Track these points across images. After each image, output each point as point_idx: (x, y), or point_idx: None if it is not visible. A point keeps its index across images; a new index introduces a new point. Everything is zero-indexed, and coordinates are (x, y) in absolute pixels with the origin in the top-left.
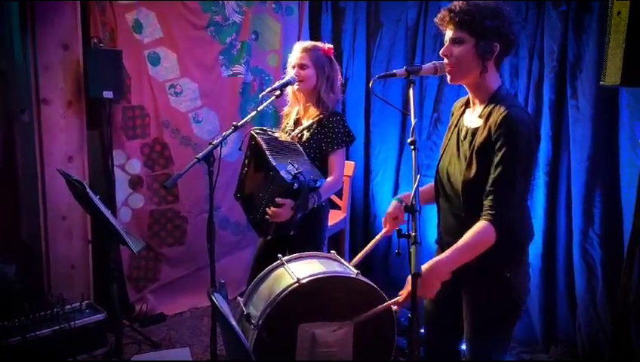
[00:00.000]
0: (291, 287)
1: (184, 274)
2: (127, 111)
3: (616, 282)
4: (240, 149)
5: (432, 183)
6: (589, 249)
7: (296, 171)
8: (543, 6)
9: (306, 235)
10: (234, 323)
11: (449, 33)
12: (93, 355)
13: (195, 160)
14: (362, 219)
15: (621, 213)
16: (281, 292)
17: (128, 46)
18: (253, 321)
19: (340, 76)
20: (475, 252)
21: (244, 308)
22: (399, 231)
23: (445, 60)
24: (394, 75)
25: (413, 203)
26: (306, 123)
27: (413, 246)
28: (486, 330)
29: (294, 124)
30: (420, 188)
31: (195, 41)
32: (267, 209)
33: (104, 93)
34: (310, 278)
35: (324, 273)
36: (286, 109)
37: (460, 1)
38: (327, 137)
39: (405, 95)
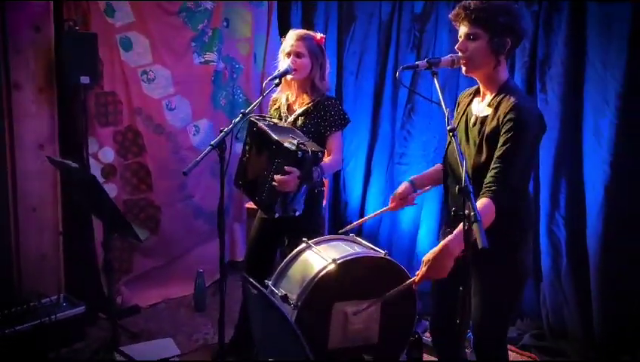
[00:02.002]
0: (328, 268)
1: (158, 264)
2: (100, 97)
3: (578, 258)
4: (237, 138)
5: (436, 167)
6: (554, 230)
7: (298, 141)
8: (517, 5)
9: (306, 219)
10: (277, 303)
11: (464, 29)
12: (73, 349)
13: (210, 147)
14: (333, 207)
15: (584, 197)
16: (318, 273)
17: (100, 30)
18: (292, 301)
19: (328, 64)
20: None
21: (274, 290)
22: (455, 211)
23: (460, 54)
24: (417, 66)
25: (467, 185)
26: (299, 109)
27: (474, 223)
28: (494, 307)
29: (287, 110)
30: (425, 172)
31: (167, 26)
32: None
33: (81, 78)
34: (344, 259)
35: (356, 253)
36: (275, 95)
37: None
38: (324, 120)
39: (377, 88)
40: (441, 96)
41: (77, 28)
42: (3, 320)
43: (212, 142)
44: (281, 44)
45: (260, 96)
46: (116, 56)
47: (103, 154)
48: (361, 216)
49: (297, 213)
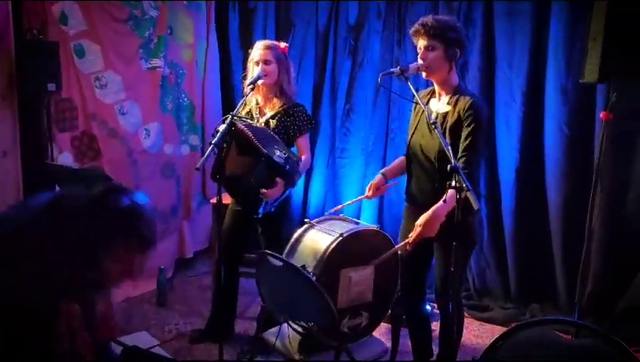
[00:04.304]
0: (337, 240)
1: None
2: (58, 103)
3: (497, 230)
4: (211, 143)
5: (399, 159)
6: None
7: (285, 155)
8: None
9: (276, 215)
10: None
11: (423, 42)
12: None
13: (212, 145)
14: None
15: (498, 177)
16: (329, 245)
17: (56, 38)
18: (310, 270)
19: (292, 70)
20: (455, 203)
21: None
22: (449, 184)
23: (421, 62)
24: (392, 72)
25: (456, 164)
26: (270, 112)
27: (467, 192)
28: (455, 265)
29: (259, 112)
30: (392, 164)
31: (116, 33)
32: (263, 190)
33: (48, 85)
34: (348, 233)
35: (356, 228)
36: (242, 100)
37: (430, 18)
38: (294, 124)
39: (316, 90)
40: (417, 96)
41: (40, 37)
42: None
43: (213, 142)
44: (219, 51)
45: (202, 99)
46: (71, 63)
47: (62, 159)
48: (304, 206)
49: (273, 210)
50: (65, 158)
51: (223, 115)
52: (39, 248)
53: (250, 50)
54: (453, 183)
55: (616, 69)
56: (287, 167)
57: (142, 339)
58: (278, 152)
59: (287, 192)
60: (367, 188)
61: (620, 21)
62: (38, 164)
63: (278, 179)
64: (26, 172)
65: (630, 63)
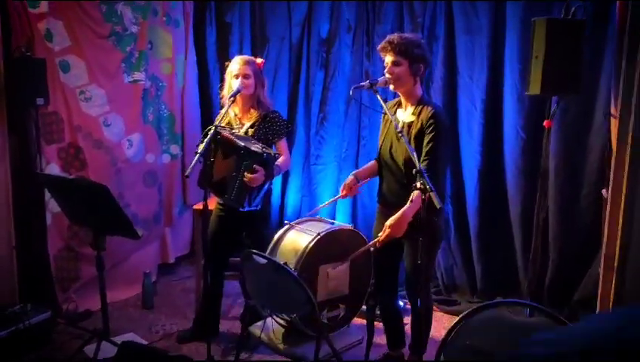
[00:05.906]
0: (315, 239)
1: None
2: (45, 117)
3: (462, 228)
4: (196, 153)
5: (372, 162)
6: (444, 207)
7: (262, 146)
8: None
9: (259, 213)
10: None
11: (390, 58)
12: (44, 352)
13: (198, 155)
14: None
15: (463, 181)
16: (308, 244)
17: (42, 54)
18: (291, 267)
19: (266, 83)
20: (421, 202)
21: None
22: (415, 185)
23: (388, 76)
24: (362, 86)
25: (421, 168)
26: (248, 122)
27: (431, 192)
28: (422, 261)
29: (239, 122)
30: (365, 166)
31: (99, 49)
32: (244, 177)
33: (37, 100)
34: (325, 232)
35: (332, 228)
36: (224, 110)
37: (396, 36)
38: (272, 129)
39: (291, 100)
40: (385, 107)
41: (29, 54)
42: None
43: (199, 151)
44: (197, 64)
45: (181, 110)
46: (56, 78)
47: (49, 170)
48: (281, 211)
49: (259, 207)
50: (52, 169)
51: (202, 124)
52: None
53: (227, 63)
54: (419, 185)
55: (555, 84)
56: (265, 155)
57: (131, 340)
58: (256, 145)
59: (267, 186)
60: (340, 189)
61: (556, 44)
62: (27, 175)
63: (257, 167)
64: (16, 182)
65: (566, 80)
